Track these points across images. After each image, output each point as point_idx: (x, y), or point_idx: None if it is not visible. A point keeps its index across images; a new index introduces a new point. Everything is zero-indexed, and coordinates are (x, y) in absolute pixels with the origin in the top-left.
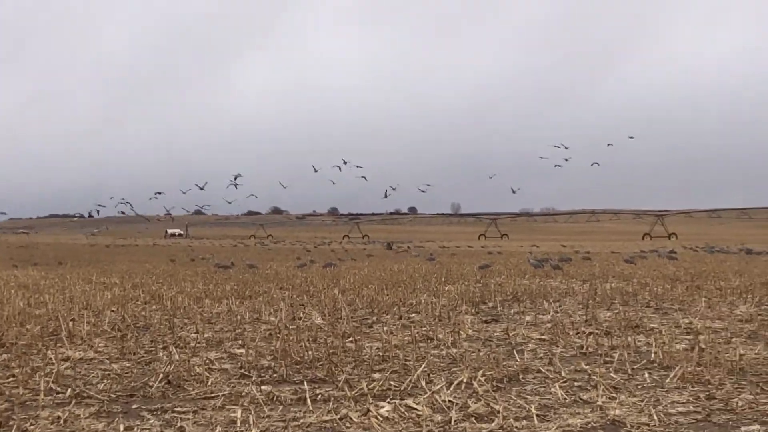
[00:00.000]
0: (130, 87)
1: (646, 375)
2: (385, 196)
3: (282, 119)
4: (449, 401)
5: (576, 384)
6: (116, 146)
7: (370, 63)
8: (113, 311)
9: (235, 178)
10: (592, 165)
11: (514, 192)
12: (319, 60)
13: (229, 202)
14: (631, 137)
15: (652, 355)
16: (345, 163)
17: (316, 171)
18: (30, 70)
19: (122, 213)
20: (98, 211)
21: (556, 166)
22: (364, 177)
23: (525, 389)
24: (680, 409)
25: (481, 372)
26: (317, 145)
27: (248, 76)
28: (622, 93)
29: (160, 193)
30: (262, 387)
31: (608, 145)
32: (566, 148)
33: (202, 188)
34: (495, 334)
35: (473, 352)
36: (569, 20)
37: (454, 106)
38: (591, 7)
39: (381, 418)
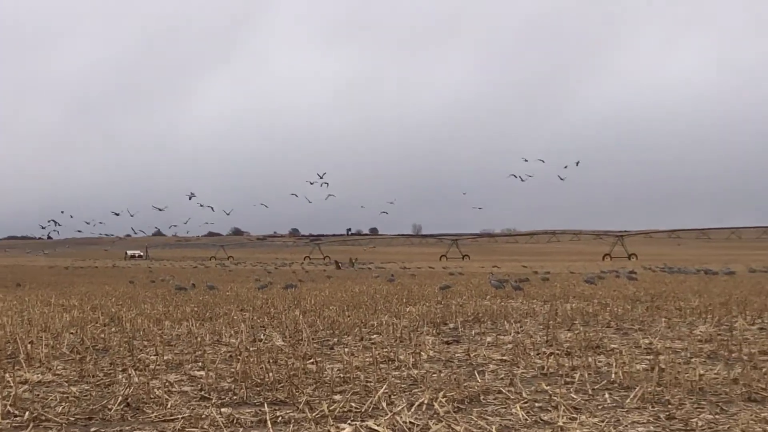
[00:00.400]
0: (89, 106)
1: (607, 395)
2: (347, 233)
3: (244, 139)
4: (410, 423)
5: (537, 405)
6: (75, 166)
7: (333, 82)
8: (72, 333)
9: (190, 198)
10: (563, 179)
11: (479, 209)
12: (283, 79)
13: (211, 224)
14: (578, 162)
15: (613, 375)
16: (319, 178)
17: (296, 196)
18: None
19: (79, 231)
20: (46, 229)
21: (521, 179)
22: (333, 194)
23: (486, 410)
24: (640, 429)
25: (442, 393)
26: (280, 165)
27: (211, 96)
28: (584, 114)
29: (117, 214)
30: (222, 409)
31: (564, 167)
32: (543, 162)
33: (161, 209)
34: (456, 355)
35: (434, 373)
36: (535, 41)
37: (415, 127)
38: (554, 29)
39: None
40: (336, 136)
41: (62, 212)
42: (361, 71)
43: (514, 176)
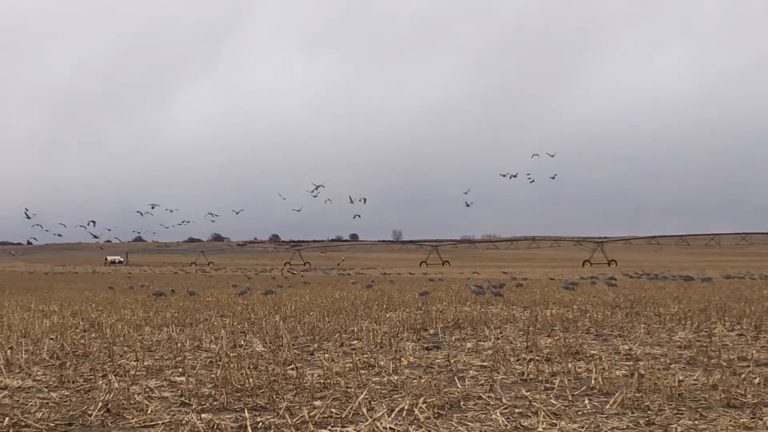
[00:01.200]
0: (70, 113)
1: (587, 401)
2: (323, 251)
3: (225, 146)
4: (391, 428)
5: (517, 411)
6: (55, 171)
7: (316, 87)
8: (52, 339)
9: (152, 207)
10: (553, 177)
11: (468, 205)
12: (263, 87)
13: (212, 221)
14: (528, 176)
15: (593, 381)
16: (315, 188)
17: (284, 199)
18: None
19: (59, 235)
20: (31, 220)
21: (511, 177)
22: (314, 195)
23: (466, 416)
24: None
25: (422, 399)
26: (261, 171)
27: (191, 103)
28: (565, 121)
29: (93, 222)
30: (203, 415)
31: (533, 180)
32: (552, 156)
33: (142, 214)
34: (436, 360)
35: (414, 379)
36: (518, 45)
37: (397, 134)
38: (534, 36)
39: None
40: (319, 142)
41: (26, 209)
42: (344, 76)
43: (505, 175)
